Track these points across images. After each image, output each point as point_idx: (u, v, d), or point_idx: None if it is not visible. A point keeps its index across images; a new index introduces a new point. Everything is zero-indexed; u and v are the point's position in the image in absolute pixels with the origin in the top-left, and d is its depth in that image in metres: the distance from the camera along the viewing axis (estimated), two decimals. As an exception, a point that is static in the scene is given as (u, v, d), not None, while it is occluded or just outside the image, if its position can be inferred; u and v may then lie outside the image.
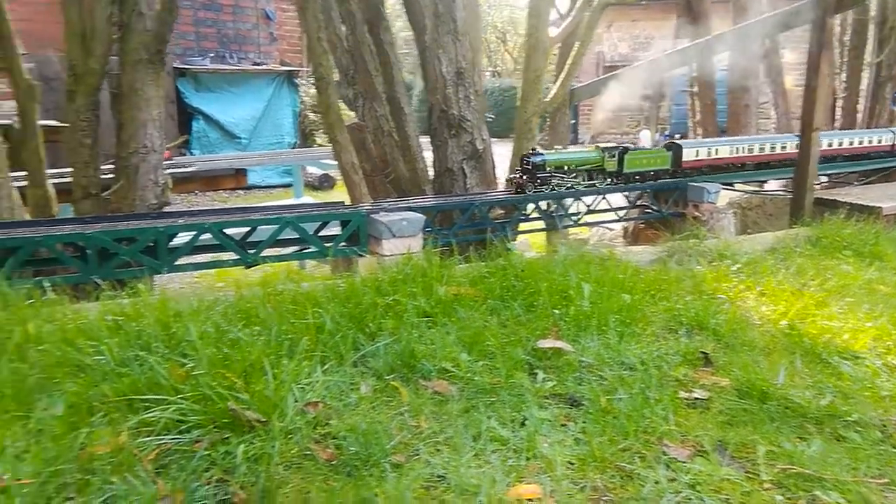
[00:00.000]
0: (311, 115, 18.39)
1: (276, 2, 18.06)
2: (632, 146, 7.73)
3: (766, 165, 8.52)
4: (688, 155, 7.86)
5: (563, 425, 2.29)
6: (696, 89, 13.44)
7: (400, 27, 16.83)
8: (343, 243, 5.09)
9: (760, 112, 14.10)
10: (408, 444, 2.16)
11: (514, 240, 7.38)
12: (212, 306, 3.11)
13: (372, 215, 5.04)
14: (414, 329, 2.95)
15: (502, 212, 7.06)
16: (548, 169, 6.72)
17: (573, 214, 6.87)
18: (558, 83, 7.00)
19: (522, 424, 2.27)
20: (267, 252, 4.87)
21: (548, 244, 8.29)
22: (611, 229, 10.13)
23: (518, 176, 6.68)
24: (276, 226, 4.78)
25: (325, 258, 5.22)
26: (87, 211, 5.32)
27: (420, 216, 5.07)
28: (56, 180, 6.33)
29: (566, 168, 6.92)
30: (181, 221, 4.53)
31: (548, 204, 6.81)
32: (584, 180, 7.03)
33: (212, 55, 16.28)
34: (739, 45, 9.47)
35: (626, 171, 7.30)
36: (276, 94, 16.98)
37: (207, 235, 4.63)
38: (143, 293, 3.22)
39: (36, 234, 4.04)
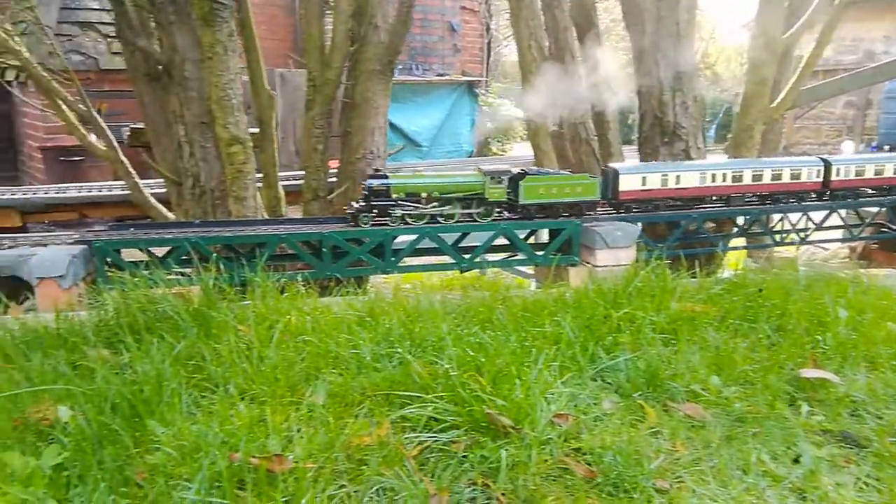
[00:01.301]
0: (489, 124, 18.73)
1: (460, 14, 18.55)
2: (533, 170, 5.88)
3: (766, 199, 6.30)
4: (628, 183, 5.84)
5: (843, 466, 2.06)
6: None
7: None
8: (553, 252, 5.04)
9: None
10: (668, 470, 2.05)
11: (724, 255, 6.95)
12: (445, 308, 3.18)
13: (585, 224, 4.94)
14: (652, 346, 2.83)
15: (713, 225, 6.66)
16: (393, 196, 5.19)
17: (801, 230, 6.29)
18: (787, 87, 6.47)
19: (796, 461, 2.07)
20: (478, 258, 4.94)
21: (747, 261, 7.70)
22: (825, 248, 9.22)
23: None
24: (491, 232, 4.84)
25: (535, 266, 5.21)
26: (314, 212, 5.74)
27: (635, 227, 4.89)
28: (283, 183, 6.88)
29: (424, 196, 5.31)
30: (403, 224, 4.73)
31: (767, 218, 6.31)
32: (456, 211, 5.32)
33: (400, 67, 17.01)
34: None
35: (524, 201, 5.45)
36: (456, 103, 17.44)
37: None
38: (379, 292, 3.37)
39: (279, 231, 4.42)
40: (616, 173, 5.88)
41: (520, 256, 5.22)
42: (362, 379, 2.47)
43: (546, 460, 2.08)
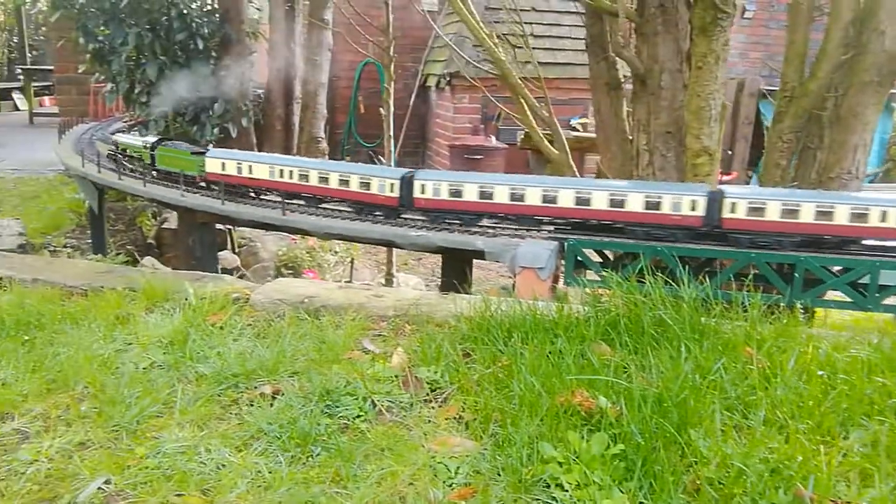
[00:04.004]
0: (906, 144, 15.52)
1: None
2: (172, 142, 7.18)
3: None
4: (210, 165, 6.45)
5: None
6: None
7: None
8: None
9: None
10: None
11: None
12: None
13: None
14: None
15: None
16: (119, 148, 7.59)
17: None
18: None
19: None
20: None
21: None
22: None
23: None
24: None
25: None
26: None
27: None
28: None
29: (127, 151, 7.46)
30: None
31: None
32: (140, 167, 7.15)
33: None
34: None
35: (158, 166, 6.89)
36: (865, 118, 14.62)
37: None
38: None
39: (750, 250, 4.18)
40: (203, 151, 6.66)
41: None
42: (912, 436, 2.14)
43: None
